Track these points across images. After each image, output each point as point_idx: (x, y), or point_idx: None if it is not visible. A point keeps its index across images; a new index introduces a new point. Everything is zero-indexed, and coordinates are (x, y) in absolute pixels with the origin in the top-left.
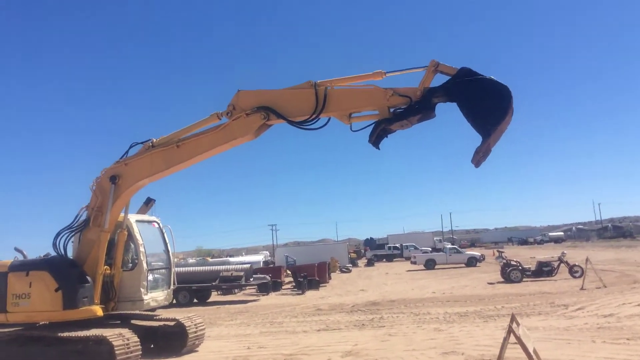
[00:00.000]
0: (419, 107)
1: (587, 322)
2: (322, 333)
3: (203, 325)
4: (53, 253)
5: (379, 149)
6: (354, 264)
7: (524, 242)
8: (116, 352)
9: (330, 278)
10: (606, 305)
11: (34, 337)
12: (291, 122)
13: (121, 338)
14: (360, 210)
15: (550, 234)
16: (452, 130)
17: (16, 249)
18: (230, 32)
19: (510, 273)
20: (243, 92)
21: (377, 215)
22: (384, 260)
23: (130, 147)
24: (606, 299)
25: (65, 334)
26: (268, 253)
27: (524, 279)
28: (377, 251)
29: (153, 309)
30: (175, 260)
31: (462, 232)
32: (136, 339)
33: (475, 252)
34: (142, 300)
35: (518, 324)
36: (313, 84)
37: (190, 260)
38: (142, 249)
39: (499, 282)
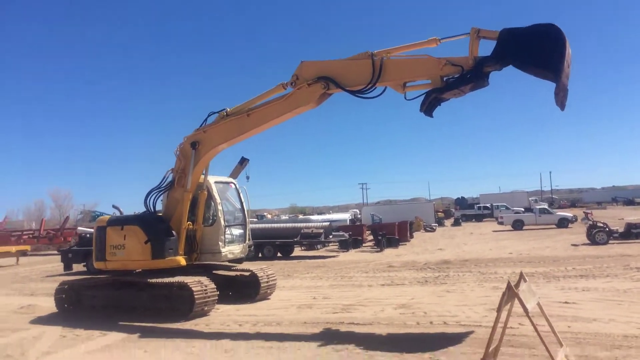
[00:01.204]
0: (471, 77)
1: None
2: (385, 287)
3: (274, 277)
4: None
5: (432, 117)
6: (440, 224)
7: (629, 202)
8: (195, 296)
9: (412, 237)
10: None
11: (127, 282)
12: (349, 91)
13: (200, 285)
14: (454, 169)
15: None
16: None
17: (114, 206)
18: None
19: (596, 235)
20: (306, 62)
21: (472, 175)
22: (474, 220)
23: (208, 115)
24: None
25: (153, 280)
26: (358, 211)
27: (611, 241)
28: (466, 211)
29: (230, 260)
30: (269, 216)
31: (566, 191)
32: (213, 286)
33: (567, 212)
34: (220, 252)
35: (525, 280)
36: (370, 54)
37: (283, 217)
38: (220, 207)
39: (583, 244)
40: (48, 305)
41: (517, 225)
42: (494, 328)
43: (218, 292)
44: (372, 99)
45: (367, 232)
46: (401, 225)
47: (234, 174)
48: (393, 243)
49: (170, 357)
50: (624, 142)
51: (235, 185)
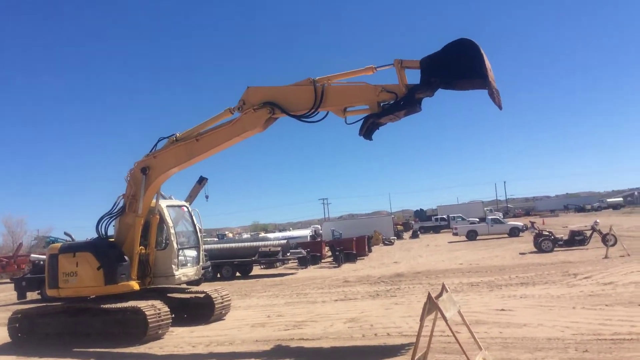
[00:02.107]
0: (404, 103)
1: (583, 290)
2: (338, 303)
3: (229, 297)
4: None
5: (371, 139)
6: (399, 237)
7: (580, 209)
8: (149, 320)
9: (370, 251)
10: (614, 274)
11: (81, 308)
12: (293, 116)
13: (153, 308)
14: (414, 181)
15: (608, 200)
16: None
17: (65, 233)
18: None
19: (542, 243)
20: (252, 88)
21: (431, 186)
22: (432, 232)
23: (158, 141)
24: (619, 267)
25: (107, 306)
26: (320, 227)
27: (556, 249)
28: (424, 223)
29: (186, 283)
30: (231, 235)
31: (522, 200)
32: (167, 309)
33: (518, 222)
34: (174, 275)
35: (447, 291)
36: (312, 81)
37: (245, 235)
38: (172, 230)
39: (531, 252)
40: (1, 335)
41: (471, 235)
42: (418, 336)
43: (172, 315)
44: (316, 122)
45: (326, 248)
46: (359, 240)
47: (193, 193)
48: (351, 258)
49: None
50: (578, 150)
51: (187, 208)
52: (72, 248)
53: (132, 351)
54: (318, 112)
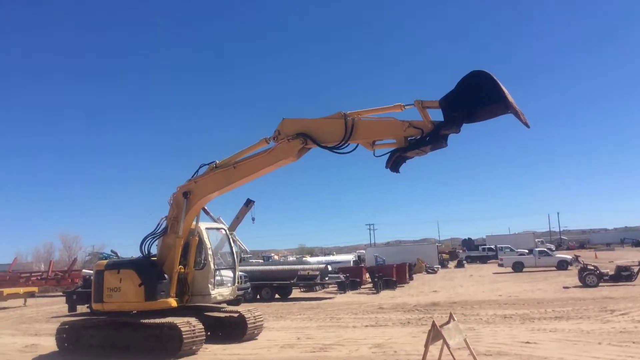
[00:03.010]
0: (429, 139)
1: (615, 326)
2: (368, 328)
3: (262, 318)
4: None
5: (398, 172)
6: (444, 265)
7: (638, 243)
8: (184, 336)
9: (412, 279)
10: None
11: (123, 322)
12: (324, 147)
13: (188, 325)
14: (466, 210)
15: None
16: (557, 126)
17: (112, 251)
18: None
19: (586, 277)
20: (287, 120)
21: (483, 215)
22: (478, 262)
23: (199, 167)
24: None
25: (146, 321)
26: (364, 252)
27: (601, 284)
28: (471, 252)
29: (222, 302)
30: (277, 257)
31: (577, 232)
32: (201, 326)
33: (566, 254)
34: (210, 294)
35: (454, 320)
36: (343, 115)
37: (290, 258)
38: (210, 252)
39: (575, 287)
40: (50, 344)
41: (517, 267)
42: None
43: (208, 333)
44: (346, 154)
45: (367, 274)
46: (399, 267)
47: (240, 215)
48: (390, 285)
49: None
50: (638, 183)
51: (225, 230)
52: (117, 265)
53: None
54: (348, 144)
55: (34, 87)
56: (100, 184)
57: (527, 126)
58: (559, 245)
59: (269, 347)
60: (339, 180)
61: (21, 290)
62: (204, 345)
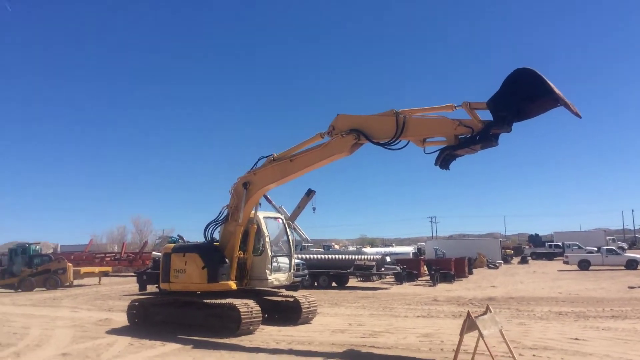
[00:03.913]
0: (479, 138)
1: None
2: (419, 319)
3: (315, 303)
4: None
5: (448, 169)
6: (506, 261)
7: None
8: (242, 316)
9: (471, 273)
10: None
11: (187, 302)
12: (376, 143)
13: (247, 306)
14: (535, 205)
15: None
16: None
17: (178, 236)
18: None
19: None
20: (341, 115)
21: (553, 211)
22: (544, 258)
23: (258, 160)
24: None
25: (208, 301)
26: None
27: None
28: (537, 249)
29: (279, 287)
30: (337, 246)
31: None
32: (258, 308)
33: (637, 254)
34: (267, 279)
35: (491, 311)
36: (395, 112)
37: (350, 248)
38: (267, 239)
39: None
40: (121, 319)
41: (583, 265)
42: (457, 350)
43: (265, 315)
44: (397, 150)
45: (423, 266)
46: (458, 261)
47: (301, 205)
48: (448, 278)
49: None
50: None
51: (282, 220)
52: (183, 248)
53: (225, 342)
54: (399, 141)
55: (110, 75)
56: (172, 171)
57: (579, 116)
58: (633, 244)
59: (321, 331)
60: (403, 171)
61: (96, 269)
62: (261, 326)
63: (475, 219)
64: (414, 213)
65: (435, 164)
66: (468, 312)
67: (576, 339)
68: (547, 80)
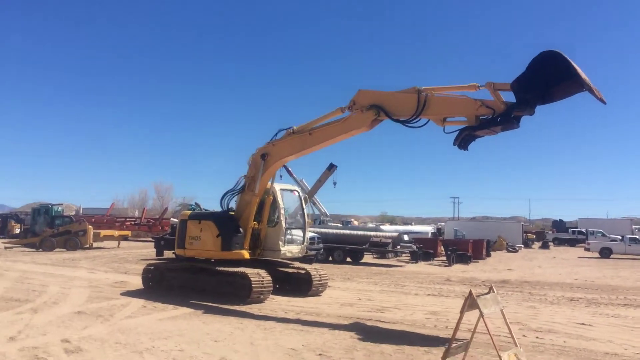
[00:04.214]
0: (500, 120)
1: None
2: (429, 297)
3: (326, 276)
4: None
5: (466, 150)
6: (527, 245)
7: None
8: (253, 285)
9: (489, 255)
10: None
11: (201, 268)
12: (396, 120)
13: (258, 276)
14: (562, 189)
15: None
16: None
17: (195, 203)
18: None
19: None
20: (362, 91)
21: (581, 196)
22: (566, 244)
23: (278, 132)
24: None
25: (221, 268)
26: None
27: None
28: (560, 234)
29: (295, 259)
30: (356, 222)
31: None
32: (269, 278)
33: None
34: (280, 250)
35: (494, 291)
36: (417, 90)
37: (369, 225)
38: (282, 211)
39: None
40: (137, 282)
41: (605, 253)
42: (456, 328)
43: (275, 285)
44: (417, 128)
45: (440, 246)
46: (476, 243)
47: (322, 179)
48: (464, 259)
49: (220, 328)
50: None
51: (298, 192)
52: (199, 216)
53: (235, 308)
54: (419, 119)
55: (130, 47)
56: (194, 139)
57: (604, 102)
58: None
59: (329, 304)
60: (427, 150)
61: (116, 233)
62: (272, 296)
63: (500, 202)
64: (436, 192)
65: (454, 143)
66: (470, 290)
67: (583, 324)
68: (573, 63)
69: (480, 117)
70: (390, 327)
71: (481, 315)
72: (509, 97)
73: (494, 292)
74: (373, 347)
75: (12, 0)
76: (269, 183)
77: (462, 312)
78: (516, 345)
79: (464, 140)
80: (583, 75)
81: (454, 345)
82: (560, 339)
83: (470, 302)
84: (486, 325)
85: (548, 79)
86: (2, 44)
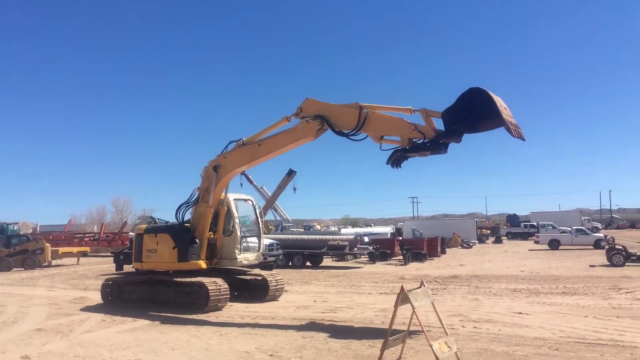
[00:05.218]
0: (430, 145)
1: (611, 302)
2: (381, 296)
3: (283, 281)
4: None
5: (400, 167)
6: (481, 241)
7: None
8: (210, 294)
9: (444, 252)
10: None
11: (159, 280)
12: (337, 133)
13: (215, 284)
14: (516, 185)
15: None
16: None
17: (150, 217)
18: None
19: (613, 257)
20: (310, 100)
21: (534, 191)
22: (519, 238)
23: (229, 143)
24: None
25: (179, 279)
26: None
27: (628, 264)
28: (513, 229)
29: (252, 266)
30: (319, 227)
31: (633, 211)
32: (226, 286)
33: (602, 234)
34: (236, 258)
35: (425, 285)
36: (359, 106)
37: (332, 228)
38: (237, 220)
39: (602, 266)
40: (96, 297)
41: (553, 245)
42: (391, 321)
43: (234, 292)
44: (356, 141)
45: (397, 246)
46: (431, 241)
47: (282, 185)
48: (419, 258)
49: (177, 337)
50: None
51: (252, 201)
52: (155, 229)
53: (193, 317)
54: (359, 134)
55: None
56: (151, 150)
57: (522, 139)
58: (609, 224)
59: (286, 307)
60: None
61: (74, 249)
62: (229, 303)
63: (458, 200)
64: (397, 193)
65: (387, 162)
66: (402, 286)
67: (520, 312)
68: (497, 102)
69: (412, 140)
70: (341, 325)
71: (412, 307)
72: (440, 122)
73: (424, 286)
74: (322, 345)
75: None
76: (223, 194)
77: (395, 306)
78: (447, 335)
79: (396, 160)
80: (507, 112)
81: (391, 337)
82: (496, 328)
83: (403, 297)
84: (417, 318)
85: (474, 114)
86: None
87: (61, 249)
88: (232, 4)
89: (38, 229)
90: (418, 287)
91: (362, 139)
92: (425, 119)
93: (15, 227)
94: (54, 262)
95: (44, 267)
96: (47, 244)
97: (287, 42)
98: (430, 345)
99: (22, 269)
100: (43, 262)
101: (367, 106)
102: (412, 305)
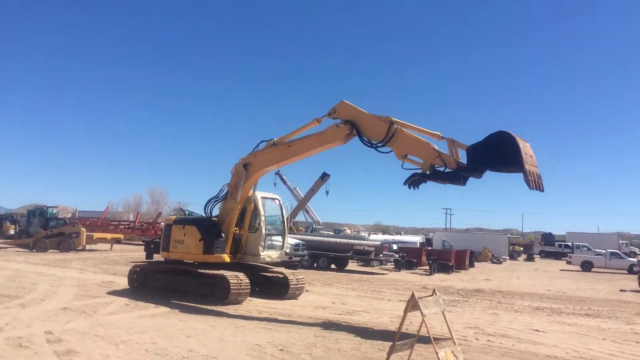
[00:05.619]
0: (449, 176)
1: (634, 328)
2: (400, 303)
3: (303, 281)
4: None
5: (417, 189)
6: (513, 257)
7: None
8: (231, 287)
9: (472, 266)
10: None
11: (183, 270)
12: (365, 142)
13: (236, 278)
14: (555, 204)
15: None
16: None
17: (181, 208)
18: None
19: None
20: (345, 103)
21: (573, 211)
22: (552, 257)
23: (260, 143)
24: None
25: (203, 271)
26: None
27: None
28: (546, 247)
29: (273, 264)
30: (349, 231)
31: None
32: (247, 281)
33: (636, 259)
34: (260, 255)
35: (436, 294)
36: (390, 120)
37: (362, 233)
38: (263, 218)
39: (633, 291)
40: (123, 282)
41: (585, 266)
42: (399, 327)
43: (255, 288)
44: (381, 153)
45: (425, 255)
46: (459, 253)
47: (315, 188)
48: (446, 269)
49: (194, 325)
50: None
51: (279, 201)
52: (183, 221)
53: (213, 308)
54: (384, 147)
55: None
56: (192, 146)
57: (541, 190)
58: None
59: (304, 306)
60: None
61: (109, 236)
62: (250, 298)
63: (494, 214)
64: (431, 204)
65: (404, 183)
66: (412, 293)
67: (537, 330)
68: (523, 150)
69: (434, 166)
70: (355, 327)
71: (422, 315)
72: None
73: (436, 294)
74: (332, 345)
75: None
76: (251, 191)
77: (405, 312)
78: (455, 344)
79: (414, 182)
80: (532, 161)
81: (399, 342)
82: (510, 343)
83: (413, 304)
84: (425, 325)
85: (499, 157)
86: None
87: (96, 235)
88: (277, 14)
89: (77, 214)
90: (429, 295)
91: (387, 152)
92: (450, 148)
93: (55, 210)
94: (88, 247)
95: (79, 250)
96: (83, 229)
97: (330, 50)
98: (436, 353)
99: (58, 250)
100: (78, 245)
101: (397, 122)
102: (421, 312)
